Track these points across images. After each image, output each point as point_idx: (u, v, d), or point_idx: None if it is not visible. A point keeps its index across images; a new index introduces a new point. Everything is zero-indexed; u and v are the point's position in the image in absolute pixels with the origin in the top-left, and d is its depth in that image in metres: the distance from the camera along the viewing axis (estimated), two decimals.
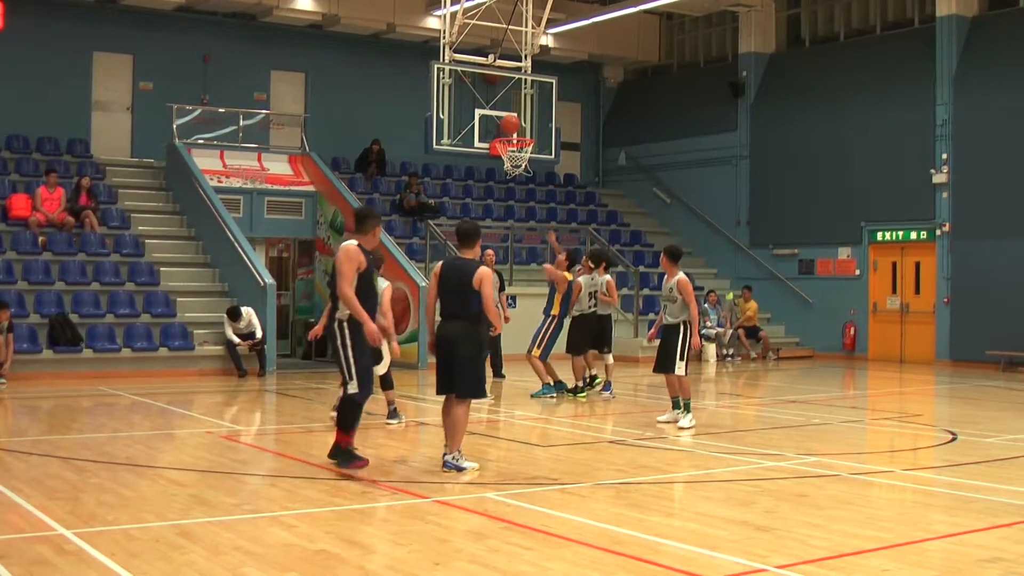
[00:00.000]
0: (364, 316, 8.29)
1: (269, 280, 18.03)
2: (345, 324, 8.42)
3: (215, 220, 19.35)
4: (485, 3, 18.69)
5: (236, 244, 18.67)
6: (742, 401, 15.80)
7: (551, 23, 21.56)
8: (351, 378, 8.42)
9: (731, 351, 22.23)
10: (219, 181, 20.66)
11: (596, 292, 14.27)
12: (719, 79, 25.55)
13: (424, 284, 18.93)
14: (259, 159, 21.78)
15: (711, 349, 21.47)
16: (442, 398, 8.90)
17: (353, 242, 8.49)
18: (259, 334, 17.35)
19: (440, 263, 8.92)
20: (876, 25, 23.51)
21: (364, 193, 23.22)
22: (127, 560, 5.84)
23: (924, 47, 21.67)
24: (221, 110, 22.50)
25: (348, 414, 8.59)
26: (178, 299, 18.29)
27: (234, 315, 17.24)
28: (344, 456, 8.57)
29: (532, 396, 14.15)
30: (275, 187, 21.37)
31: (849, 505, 7.60)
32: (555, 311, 14.25)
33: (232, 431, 11.59)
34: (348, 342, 8.43)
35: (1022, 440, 10.97)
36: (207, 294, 18.89)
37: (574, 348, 14.15)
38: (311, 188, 21.67)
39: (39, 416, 12.99)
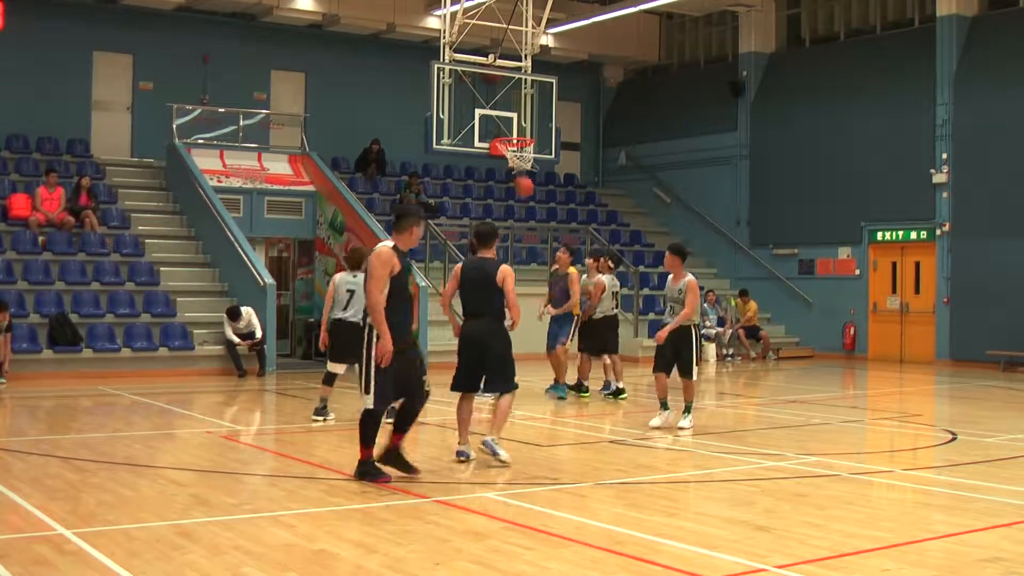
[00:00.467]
0: (384, 330, 7.78)
1: (269, 280, 18.03)
2: (375, 332, 7.93)
3: (215, 220, 19.35)
4: (485, 3, 18.70)
5: (236, 244, 18.67)
6: (742, 401, 15.80)
7: (551, 23, 21.57)
8: (367, 391, 7.97)
9: (731, 351, 22.24)
10: (219, 181, 20.66)
11: (617, 293, 14.30)
12: (719, 79, 25.55)
13: (424, 284, 18.93)
14: (259, 159, 21.77)
15: (711, 349, 21.46)
16: (455, 395, 9.02)
17: (388, 243, 8.09)
18: (259, 334, 17.35)
19: (460, 264, 9.17)
20: (876, 25, 23.51)
21: (364, 193, 23.23)
22: (127, 560, 5.84)
23: (924, 47, 21.66)
24: (221, 110, 22.50)
25: (367, 428, 8.10)
26: (178, 299, 18.29)
27: (234, 315, 17.24)
28: (368, 470, 8.13)
29: (578, 395, 14.07)
30: (275, 187, 21.36)
31: (849, 505, 7.60)
32: (577, 311, 14.17)
33: (232, 431, 11.58)
34: (373, 352, 7.91)
35: (1022, 440, 10.97)
36: (207, 294, 18.90)
37: (595, 348, 14.12)
38: (311, 188, 21.66)
39: (39, 416, 12.99)
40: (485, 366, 8.86)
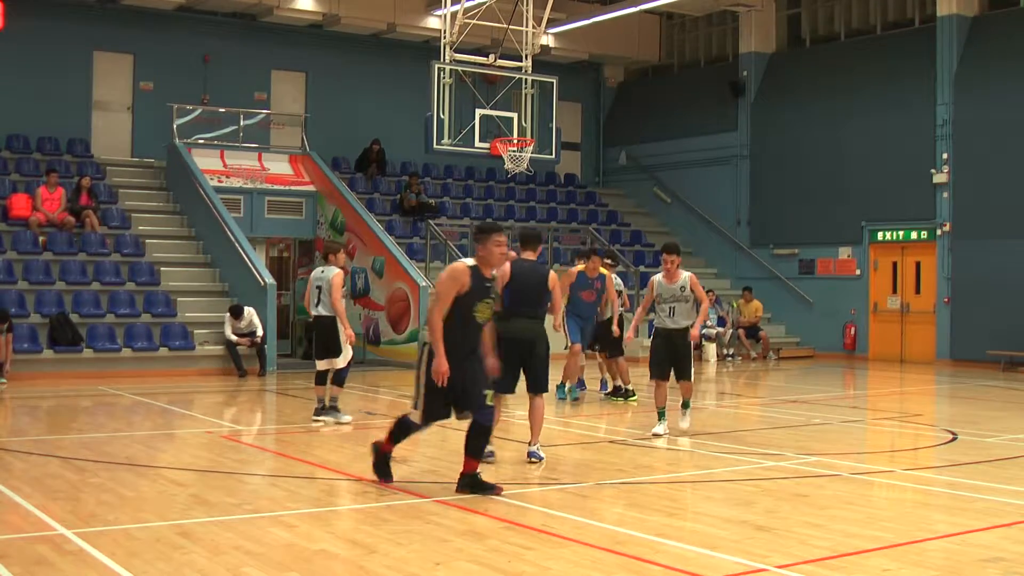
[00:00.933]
0: (439, 350, 7.39)
1: (269, 280, 18.04)
2: (426, 349, 7.59)
3: (215, 220, 19.36)
4: (485, 3, 18.70)
5: (236, 244, 18.68)
6: (742, 401, 15.80)
7: (551, 23, 21.57)
8: (416, 406, 7.67)
9: (731, 351, 22.23)
10: (219, 181, 20.67)
11: (622, 292, 14.30)
12: (719, 79, 25.55)
13: (424, 284, 18.93)
14: (259, 159, 21.78)
15: (711, 349, 21.45)
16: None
17: (467, 261, 7.65)
18: (260, 333, 17.39)
19: (507, 264, 8.98)
20: (876, 25, 23.51)
21: (364, 193, 23.23)
22: (127, 560, 5.84)
23: (924, 47, 21.66)
24: (221, 110, 22.51)
25: (399, 430, 7.90)
26: (178, 299, 18.30)
27: (236, 312, 17.28)
28: (379, 464, 8.01)
29: (626, 400, 13.99)
30: (275, 187, 21.37)
31: (849, 505, 7.60)
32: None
33: (232, 431, 11.59)
34: (423, 367, 7.57)
35: (1022, 440, 10.97)
36: (207, 294, 18.90)
37: (618, 350, 14.10)
38: (311, 188, 21.68)
39: (39, 416, 13.00)
40: (526, 366, 8.94)
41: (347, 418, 11.52)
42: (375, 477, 8.00)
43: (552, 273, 9.16)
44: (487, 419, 7.67)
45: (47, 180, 19.31)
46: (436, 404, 7.62)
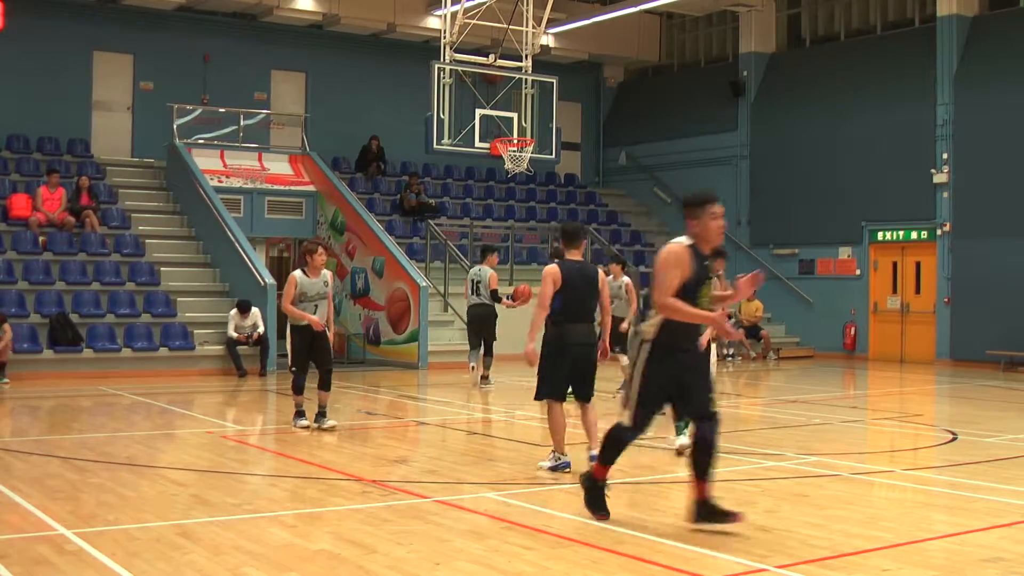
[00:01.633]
0: (702, 316, 6.50)
1: (269, 280, 18.05)
2: (648, 345, 6.62)
3: (215, 220, 19.36)
4: (485, 3, 18.72)
5: (236, 244, 18.68)
6: (742, 401, 15.79)
7: (551, 23, 21.58)
8: (627, 408, 6.72)
9: (731, 351, 22.22)
10: (219, 181, 20.68)
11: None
12: (719, 79, 25.56)
13: (424, 284, 18.94)
14: (259, 159, 21.79)
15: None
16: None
17: (683, 240, 6.57)
18: (260, 330, 17.43)
19: (556, 266, 8.49)
20: (876, 25, 23.52)
21: (364, 193, 23.23)
22: (127, 560, 5.84)
23: (924, 47, 21.67)
24: (221, 110, 22.51)
25: (609, 446, 6.82)
26: (178, 299, 18.30)
27: (244, 308, 17.30)
28: (593, 499, 6.92)
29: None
30: (275, 187, 21.38)
31: (849, 505, 7.60)
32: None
33: (233, 431, 11.59)
34: (641, 367, 6.64)
35: (1022, 440, 10.97)
36: (207, 294, 18.91)
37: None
38: (311, 188, 21.68)
39: (40, 416, 12.99)
40: (585, 373, 8.49)
41: (303, 423, 11.22)
42: (590, 514, 6.90)
43: (601, 272, 8.75)
44: (711, 431, 6.63)
45: (48, 180, 19.31)
46: (649, 409, 6.72)
